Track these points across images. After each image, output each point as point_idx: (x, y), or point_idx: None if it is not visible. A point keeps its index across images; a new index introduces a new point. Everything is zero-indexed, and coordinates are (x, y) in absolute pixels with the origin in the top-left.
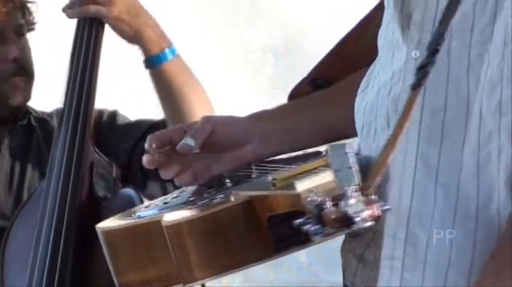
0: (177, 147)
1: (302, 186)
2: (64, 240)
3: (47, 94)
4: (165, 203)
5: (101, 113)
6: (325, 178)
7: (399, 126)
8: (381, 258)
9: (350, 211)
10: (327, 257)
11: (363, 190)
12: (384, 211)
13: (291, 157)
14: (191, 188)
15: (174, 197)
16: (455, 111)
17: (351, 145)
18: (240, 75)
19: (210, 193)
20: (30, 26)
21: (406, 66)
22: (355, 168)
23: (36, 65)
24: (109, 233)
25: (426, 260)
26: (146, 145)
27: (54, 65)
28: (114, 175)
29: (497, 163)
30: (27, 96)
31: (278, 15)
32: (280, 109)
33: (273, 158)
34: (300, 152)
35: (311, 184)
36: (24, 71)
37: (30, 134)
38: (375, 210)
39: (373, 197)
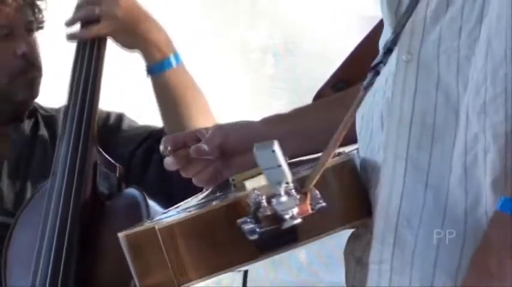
0: (191, 152)
1: (250, 186)
2: (68, 239)
3: (54, 91)
4: (176, 207)
5: (108, 115)
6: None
7: (342, 128)
8: (369, 262)
9: (279, 208)
10: (327, 257)
11: (301, 187)
12: (318, 209)
13: (303, 160)
14: (205, 193)
15: (186, 203)
16: (445, 114)
17: (278, 143)
18: (240, 75)
19: (217, 196)
20: (39, 23)
21: (397, 69)
22: (284, 166)
23: (44, 62)
24: (123, 239)
25: (413, 262)
26: (161, 147)
27: (61, 61)
28: (117, 174)
29: (484, 165)
30: (35, 93)
31: (278, 15)
32: (294, 112)
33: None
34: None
35: (257, 184)
36: (32, 67)
37: (36, 132)
38: (306, 207)
39: (315, 193)
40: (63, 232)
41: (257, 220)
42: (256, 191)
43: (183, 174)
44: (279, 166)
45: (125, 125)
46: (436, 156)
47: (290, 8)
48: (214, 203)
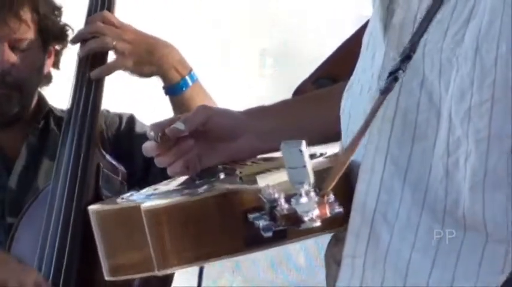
0: (166, 130)
1: (263, 182)
2: (70, 242)
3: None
4: (154, 189)
5: (120, 119)
6: (281, 172)
7: (361, 131)
8: (342, 256)
9: (299, 209)
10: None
11: (319, 190)
12: (335, 214)
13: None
14: (183, 178)
15: (164, 185)
16: (427, 114)
17: (305, 143)
18: (239, 77)
19: (198, 183)
20: (56, 44)
21: (384, 66)
22: (309, 167)
23: None
24: (97, 214)
25: (386, 260)
26: (151, 133)
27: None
28: (120, 177)
29: (464, 169)
30: (11, 108)
31: (278, 17)
32: (280, 106)
33: (270, 155)
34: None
35: (271, 180)
36: (5, 84)
37: (47, 136)
38: (325, 211)
39: (330, 198)
40: (65, 234)
41: (273, 218)
42: (271, 188)
43: (157, 163)
44: (304, 166)
45: (138, 128)
46: (416, 154)
47: (290, 10)
48: (201, 191)
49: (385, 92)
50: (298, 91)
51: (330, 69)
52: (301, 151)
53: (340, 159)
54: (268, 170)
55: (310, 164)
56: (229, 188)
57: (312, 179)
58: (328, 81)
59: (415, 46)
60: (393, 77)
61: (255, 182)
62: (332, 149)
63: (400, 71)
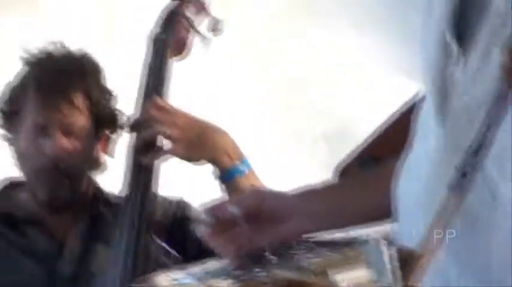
0: (220, 215)
1: (337, 276)
2: None
3: None
4: (204, 268)
5: (171, 204)
6: (360, 271)
7: (432, 229)
8: None
9: None
10: None
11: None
12: None
13: (335, 241)
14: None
15: (214, 264)
16: (487, 206)
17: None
18: (293, 162)
19: (251, 267)
20: (107, 130)
21: (440, 154)
22: (388, 266)
23: None
24: None
25: None
26: (207, 219)
27: None
28: (173, 261)
29: None
30: (61, 195)
31: (329, 103)
32: (328, 188)
33: (318, 238)
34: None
35: (346, 275)
36: (58, 170)
37: (98, 220)
38: None
39: None
40: None
41: None
42: (347, 284)
43: (210, 247)
44: (383, 264)
45: (190, 214)
46: (477, 246)
47: (341, 96)
48: (257, 278)
49: (454, 190)
50: (343, 170)
51: (372, 150)
52: (381, 250)
53: (417, 261)
54: (339, 263)
55: (389, 262)
56: (292, 279)
57: (391, 279)
58: (370, 160)
59: (483, 143)
60: (461, 173)
61: (325, 275)
62: (376, 230)
63: (469, 169)
